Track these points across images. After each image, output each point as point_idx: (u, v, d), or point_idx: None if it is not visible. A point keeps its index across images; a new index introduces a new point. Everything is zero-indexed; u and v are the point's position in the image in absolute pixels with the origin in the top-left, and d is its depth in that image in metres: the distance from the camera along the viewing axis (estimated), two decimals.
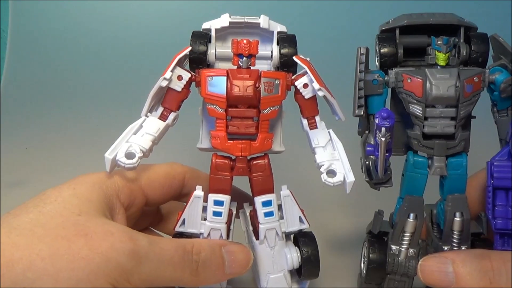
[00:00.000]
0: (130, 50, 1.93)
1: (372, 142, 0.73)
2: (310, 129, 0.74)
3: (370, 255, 0.76)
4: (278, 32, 0.74)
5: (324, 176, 0.71)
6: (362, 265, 0.80)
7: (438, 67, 0.71)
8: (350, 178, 0.70)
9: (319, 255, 0.74)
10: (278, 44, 0.73)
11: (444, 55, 0.70)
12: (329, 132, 0.74)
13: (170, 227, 0.78)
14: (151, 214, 0.81)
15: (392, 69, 0.73)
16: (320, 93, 0.71)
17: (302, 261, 0.74)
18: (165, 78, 0.70)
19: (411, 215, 0.74)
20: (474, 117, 0.75)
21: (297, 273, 0.76)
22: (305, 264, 0.74)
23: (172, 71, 0.70)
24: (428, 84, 0.69)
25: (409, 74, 0.71)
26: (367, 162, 0.72)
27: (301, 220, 0.75)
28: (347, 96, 0.75)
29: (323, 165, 0.71)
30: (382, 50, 0.74)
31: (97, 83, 1.88)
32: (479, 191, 0.75)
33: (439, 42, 0.70)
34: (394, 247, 0.75)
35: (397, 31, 0.74)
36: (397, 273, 0.75)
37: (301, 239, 0.75)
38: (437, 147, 0.71)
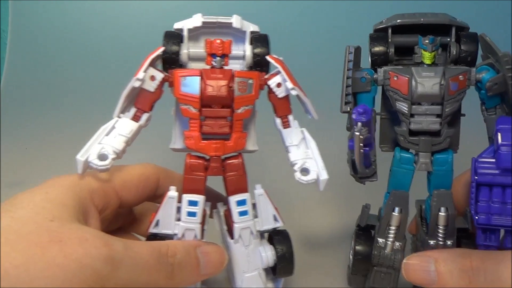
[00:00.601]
0: (130, 50, 1.92)
1: None
2: (284, 128, 0.74)
3: (356, 247, 0.77)
4: (251, 32, 0.74)
5: (297, 175, 0.71)
6: (351, 257, 0.81)
7: (425, 66, 0.72)
8: (324, 176, 0.71)
9: (294, 253, 0.75)
10: (251, 44, 0.74)
11: (430, 54, 0.71)
12: (302, 130, 0.74)
13: (144, 228, 0.78)
14: (124, 215, 0.80)
15: (381, 67, 0.75)
16: (293, 92, 0.71)
17: (277, 259, 0.74)
18: (138, 79, 0.69)
19: (396, 209, 0.75)
20: (464, 115, 0.76)
21: (272, 271, 0.76)
22: (280, 261, 0.74)
23: (145, 71, 0.70)
24: (413, 82, 0.70)
25: (396, 72, 0.72)
26: (353, 157, 0.73)
27: (275, 219, 0.75)
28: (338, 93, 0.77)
29: (296, 163, 0.72)
30: (373, 49, 0.75)
31: (97, 83, 1.89)
32: (468, 188, 0.75)
33: (426, 41, 0.71)
34: (380, 240, 0.76)
35: (389, 31, 0.76)
36: (383, 266, 0.76)
37: (275, 237, 0.75)
38: (422, 143, 0.72)
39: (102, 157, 0.68)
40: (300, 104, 0.74)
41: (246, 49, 0.73)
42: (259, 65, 0.73)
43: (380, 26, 0.76)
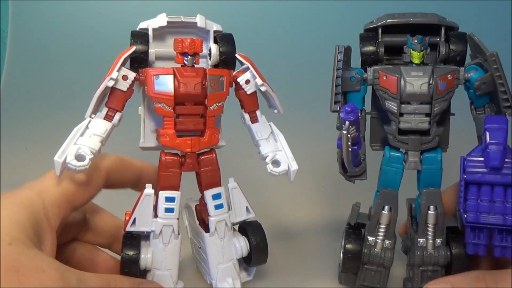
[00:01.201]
0: None
1: None
2: (252, 123, 0.77)
3: (346, 245, 0.78)
4: (214, 31, 0.76)
5: (270, 167, 0.73)
6: (341, 255, 0.82)
7: (414, 65, 0.73)
8: (294, 166, 0.74)
9: (267, 243, 0.78)
10: (215, 42, 0.75)
11: (418, 54, 0.73)
12: (270, 125, 0.77)
13: (99, 237, 0.79)
14: (77, 225, 0.77)
15: (371, 67, 0.76)
16: (262, 88, 0.74)
17: (251, 249, 0.77)
18: (111, 78, 0.71)
19: (386, 207, 0.76)
20: (453, 114, 0.77)
21: (245, 261, 0.79)
22: (255, 251, 0.77)
23: (118, 71, 0.71)
24: (402, 82, 0.72)
25: (385, 71, 0.74)
26: (342, 156, 0.74)
27: (248, 210, 0.78)
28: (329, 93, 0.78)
29: (267, 156, 0.74)
30: (363, 49, 0.76)
31: (98, 83, 1.89)
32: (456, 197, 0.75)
33: (415, 41, 0.72)
34: (370, 238, 0.77)
35: (379, 30, 0.77)
36: (373, 264, 0.77)
37: (248, 228, 0.78)
38: (411, 142, 0.74)
39: (80, 157, 0.68)
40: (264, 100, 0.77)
41: (212, 48, 0.75)
42: (226, 63, 0.75)
43: (371, 26, 0.77)
